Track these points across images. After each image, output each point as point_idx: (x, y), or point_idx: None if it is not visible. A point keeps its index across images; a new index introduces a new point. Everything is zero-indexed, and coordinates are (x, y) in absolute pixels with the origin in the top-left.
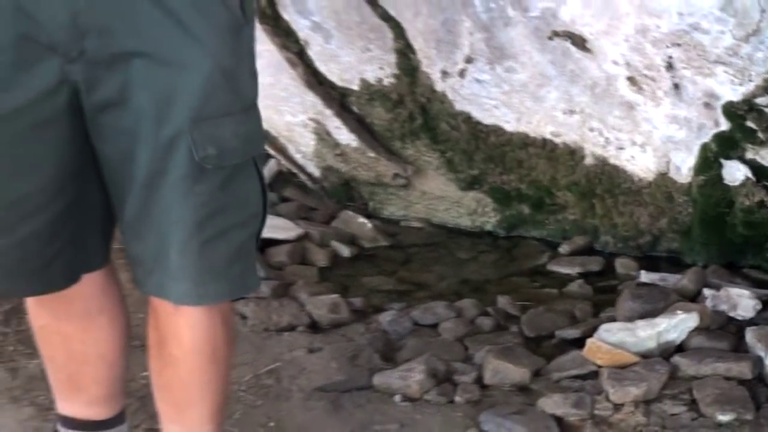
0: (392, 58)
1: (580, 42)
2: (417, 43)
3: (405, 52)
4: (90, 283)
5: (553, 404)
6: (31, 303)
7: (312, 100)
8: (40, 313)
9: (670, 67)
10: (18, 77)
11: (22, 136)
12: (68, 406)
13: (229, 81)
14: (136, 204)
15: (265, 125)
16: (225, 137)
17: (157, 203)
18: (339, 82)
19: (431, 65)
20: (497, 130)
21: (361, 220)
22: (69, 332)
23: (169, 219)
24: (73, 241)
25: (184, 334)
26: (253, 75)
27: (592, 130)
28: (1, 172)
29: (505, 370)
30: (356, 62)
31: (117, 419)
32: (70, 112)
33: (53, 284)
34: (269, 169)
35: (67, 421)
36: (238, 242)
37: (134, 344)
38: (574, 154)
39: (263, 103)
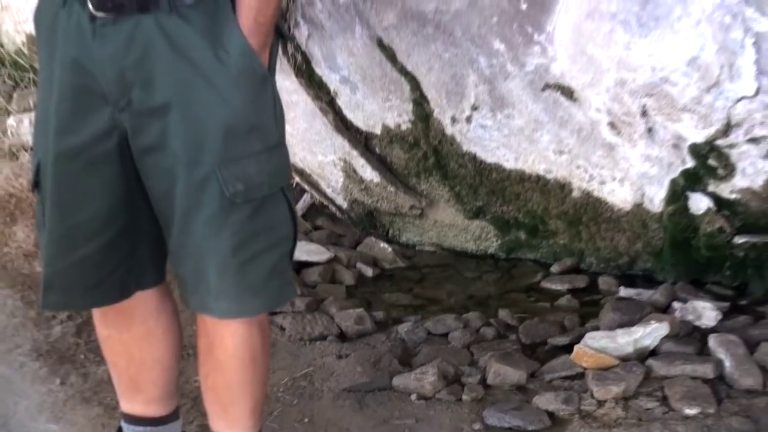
0: (409, 106)
1: (568, 93)
2: (430, 93)
3: (420, 102)
4: (147, 299)
5: (546, 401)
6: (96, 316)
7: (341, 142)
8: (105, 325)
9: (644, 113)
10: (77, 122)
11: (80, 173)
12: (130, 405)
13: (252, 127)
14: (177, 233)
15: (300, 164)
16: (251, 174)
17: (192, 233)
18: (364, 127)
19: (442, 113)
20: (498, 168)
21: (383, 245)
22: (129, 341)
23: (205, 248)
24: (124, 263)
25: (228, 342)
26: (277, 119)
27: (578, 167)
28: (62, 203)
29: (505, 373)
30: (378, 110)
31: (172, 416)
32: (120, 153)
33: (107, 299)
34: (304, 201)
35: (129, 418)
36: (271, 262)
37: (188, 352)
38: (563, 188)
39: (300, 145)
